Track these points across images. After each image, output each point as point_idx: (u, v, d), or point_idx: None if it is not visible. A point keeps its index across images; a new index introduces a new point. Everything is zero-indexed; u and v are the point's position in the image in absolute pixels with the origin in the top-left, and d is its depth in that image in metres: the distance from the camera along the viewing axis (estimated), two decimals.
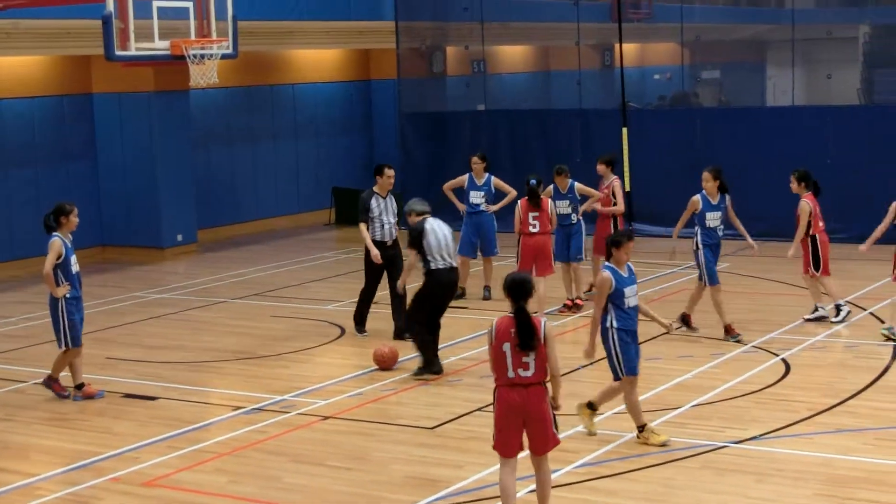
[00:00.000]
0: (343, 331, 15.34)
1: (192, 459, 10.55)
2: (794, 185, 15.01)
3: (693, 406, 11.50)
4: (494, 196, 17.15)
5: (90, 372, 13.52)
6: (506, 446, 8.37)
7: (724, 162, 21.68)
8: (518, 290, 8.36)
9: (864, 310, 15.34)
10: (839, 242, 20.42)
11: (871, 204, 20.38)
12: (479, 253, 17.32)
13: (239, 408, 12.09)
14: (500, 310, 8.70)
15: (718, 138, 22.04)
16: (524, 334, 8.23)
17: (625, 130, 22.50)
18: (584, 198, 16.30)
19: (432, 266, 12.90)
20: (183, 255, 22.23)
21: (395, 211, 14.70)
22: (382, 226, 14.56)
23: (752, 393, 11.88)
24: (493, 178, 17.13)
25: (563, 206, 16.00)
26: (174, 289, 19.08)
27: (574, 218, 16.07)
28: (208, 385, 13.34)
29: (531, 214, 15.23)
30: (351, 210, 25.72)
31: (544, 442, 8.42)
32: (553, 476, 9.65)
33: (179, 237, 22.34)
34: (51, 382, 12.71)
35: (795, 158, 21.16)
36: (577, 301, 16.13)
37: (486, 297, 17.00)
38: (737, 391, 11.95)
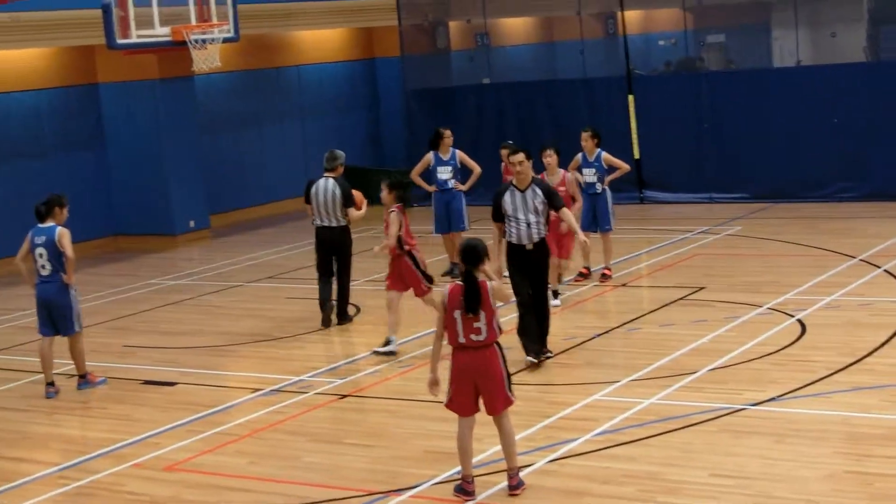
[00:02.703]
0: (358, 309, 15.36)
1: (213, 443, 10.61)
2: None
3: (710, 370, 11.50)
4: (462, 172, 16.91)
5: (109, 360, 13.62)
6: (461, 407, 8.81)
7: (731, 125, 21.81)
8: (470, 255, 8.73)
9: (878, 267, 15.30)
10: (848, 201, 20.42)
11: (879, 162, 20.40)
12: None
13: (257, 390, 12.15)
14: None
15: (725, 102, 21.96)
16: (470, 298, 8.57)
17: (631, 98, 22.46)
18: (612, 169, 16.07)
19: (314, 223, 14.76)
20: (196, 240, 22.27)
21: (539, 207, 11.76)
22: (518, 225, 11.79)
23: (769, 355, 11.87)
24: (458, 152, 16.83)
25: (590, 175, 15.87)
26: (188, 275, 19.13)
27: (599, 187, 15.84)
28: (226, 369, 13.40)
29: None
30: (357, 188, 25.67)
31: (496, 402, 8.74)
32: (572, 445, 9.73)
33: (192, 223, 22.37)
34: (87, 377, 12.68)
35: (803, 118, 21.17)
36: (606, 271, 15.94)
37: (449, 273, 16.47)
38: (753, 353, 11.94)
